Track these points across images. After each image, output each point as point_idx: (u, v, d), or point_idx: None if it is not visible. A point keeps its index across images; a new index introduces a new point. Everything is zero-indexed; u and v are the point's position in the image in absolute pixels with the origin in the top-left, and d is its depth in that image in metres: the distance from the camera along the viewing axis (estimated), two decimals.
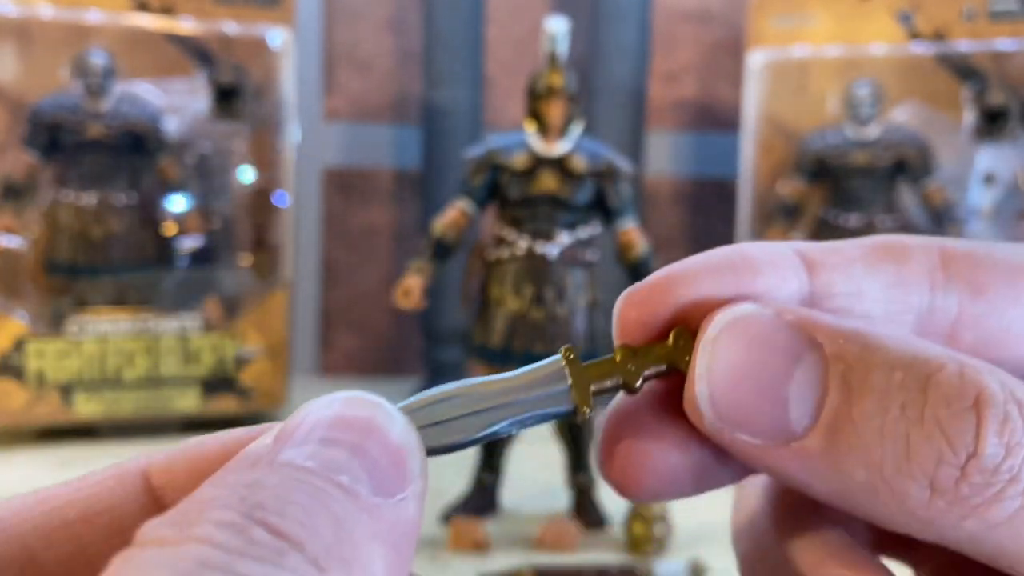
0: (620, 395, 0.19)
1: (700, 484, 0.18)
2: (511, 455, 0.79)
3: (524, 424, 0.18)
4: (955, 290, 0.17)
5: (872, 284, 0.17)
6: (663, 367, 0.18)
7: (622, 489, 0.18)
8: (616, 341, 0.18)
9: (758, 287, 0.17)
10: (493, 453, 0.77)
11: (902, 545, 0.22)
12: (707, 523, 0.76)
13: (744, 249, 0.18)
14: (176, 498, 0.16)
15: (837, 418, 0.15)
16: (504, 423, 0.18)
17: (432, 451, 0.17)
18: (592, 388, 0.18)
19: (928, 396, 0.15)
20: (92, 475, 0.17)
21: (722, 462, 0.18)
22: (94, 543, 0.17)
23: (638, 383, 0.18)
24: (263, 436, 0.16)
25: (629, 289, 0.18)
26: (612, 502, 0.76)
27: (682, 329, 0.18)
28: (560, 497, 0.79)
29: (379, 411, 0.16)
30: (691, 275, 0.17)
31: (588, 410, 0.18)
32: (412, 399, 0.17)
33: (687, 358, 0.17)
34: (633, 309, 0.18)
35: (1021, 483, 0.15)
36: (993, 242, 0.18)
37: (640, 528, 0.69)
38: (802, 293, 0.17)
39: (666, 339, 0.18)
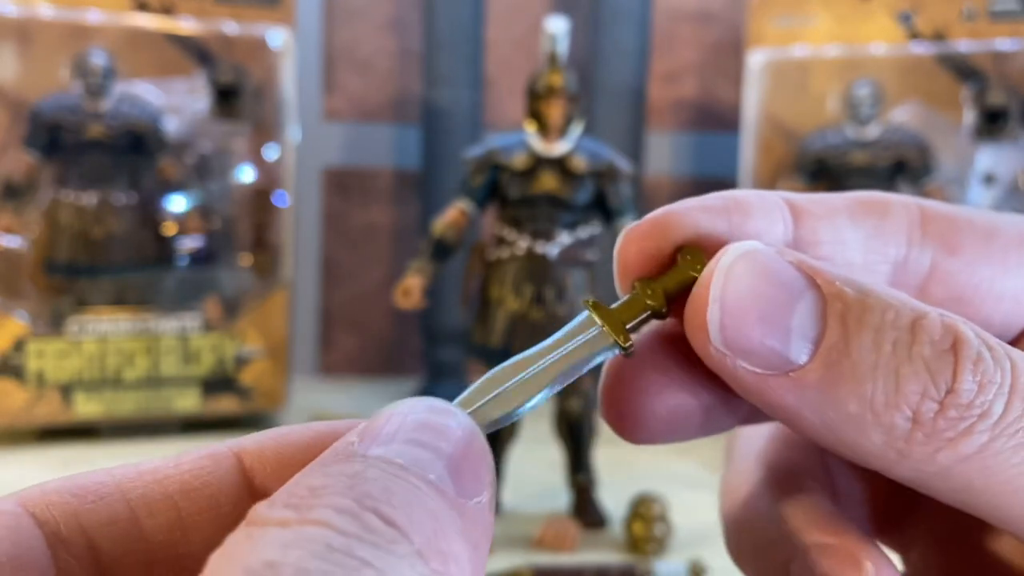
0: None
1: (696, 427, 0.19)
2: (511, 455, 0.79)
3: (575, 374, 0.19)
4: (930, 246, 0.18)
5: (854, 234, 0.18)
6: (688, 281, 0.19)
7: (623, 431, 0.19)
8: (617, 279, 0.19)
9: (749, 229, 0.18)
10: (493, 453, 0.77)
11: (890, 530, 0.22)
12: (707, 523, 0.76)
13: (736, 193, 0.19)
14: (266, 480, 0.18)
15: (834, 352, 0.16)
16: (556, 379, 0.19)
17: (499, 420, 0.18)
18: (626, 325, 0.19)
19: (915, 336, 0.16)
20: (187, 454, 0.18)
21: (718, 406, 0.19)
22: (191, 515, 0.18)
23: (665, 307, 0.19)
24: (348, 434, 0.16)
25: (629, 226, 0.19)
26: (612, 502, 0.76)
27: (686, 247, 0.19)
28: (560, 497, 0.79)
29: (459, 419, 0.17)
30: (688, 214, 0.18)
31: (627, 342, 0.19)
32: (465, 392, 0.18)
33: (698, 266, 0.18)
34: (634, 244, 0.19)
35: (990, 418, 0.16)
36: (973, 207, 0.19)
37: (640, 528, 0.69)
38: (787, 239, 0.18)
39: (673, 263, 0.19)
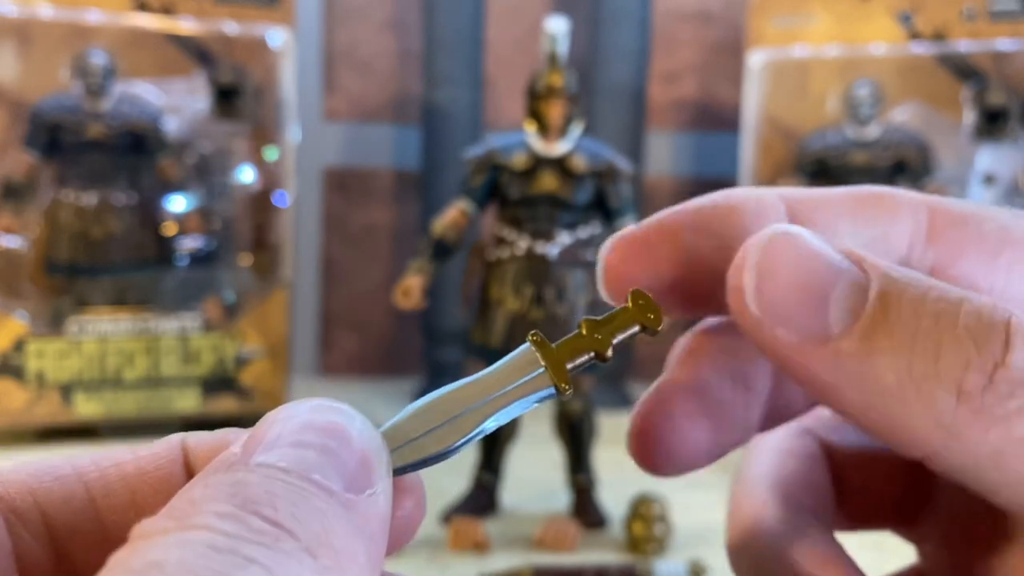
0: (655, 384, 0.19)
1: (714, 459, 0.19)
2: (511, 455, 0.79)
3: (510, 415, 0.18)
4: (935, 250, 0.18)
5: (855, 239, 0.18)
6: (634, 329, 0.19)
7: (650, 467, 0.19)
8: (602, 288, 0.19)
9: (744, 239, 0.18)
10: (493, 453, 0.77)
11: (905, 523, 0.22)
12: (707, 523, 0.76)
13: (731, 196, 0.18)
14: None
15: (873, 323, 0.16)
16: (490, 419, 0.18)
17: (427, 461, 0.18)
18: (567, 366, 0.19)
19: (960, 308, 0.15)
20: (144, 445, 0.20)
21: (738, 443, 0.19)
22: (145, 496, 0.19)
23: (609, 351, 0.19)
24: (233, 445, 0.16)
25: (615, 236, 0.19)
26: (612, 502, 0.76)
27: (638, 291, 0.19)
28: (560, 497, 0.79)
29: (342, 415, 0.16)
30: (678, 227, 0.18)
31: (567, 387, 0.18)
32: (397, 417, 0.18)
33: (650, 315, 0.18)
34: (619, 256, 0.19)
35: None
36: (988, 206, 0.18)
37: (640, 528, 0.69)
38: None
39: (625, 303, 0.19)
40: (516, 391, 0.18)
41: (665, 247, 0.18)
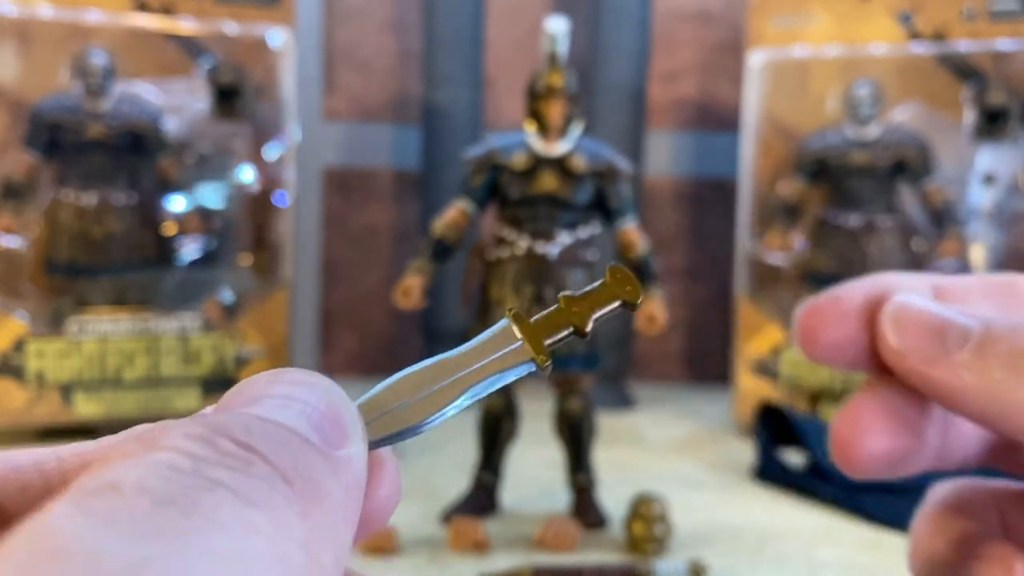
0: (853, 395, 0.21)
1: (909, 467, 0.22)
2: (511, 455, 0.79)
3: (487, 389, 0.18)
4: None
5: (984, 307, 0.22)
6: (615, 304, 0.19)
7: (849, 467, 0.22)
8: (800, 348, 0.21)
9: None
10: (493, 453, 0.77)
11: None
12: (707, 523, 0.76)
13: (888, 280, 0.23)
14: None
15: (981, 342, 0.20)
16: (466, 394, 0.18)
17: (401, 434, 0.17)
18: (546, 341, 0.18)
19: None
20: (112, 436, 0.19)
21: (934, 451, 0.23)
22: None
23: (589, 326, 0.19)
24: (206, 408, 0.16)
25: (811, 303, 0.22)
26: (612, 502, 0.76)
27: (615, 266, 0.19)
28: (560, 497, 0.79)
29: (313, 377, 0.16)
30: (855, 298, 0.22)
31: (545, 360, 0.18)
32: (372, 391, 0.17)
33: (629, 288, 0.19)
34: (814, 320, 0.22)
35: None
36: None
37: (640, 528, 0.69)
38: None
39: (604, 279, 0.19)
40: (492, 364, 0.18)
41: (851, 314, 0.21)
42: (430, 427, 0.17)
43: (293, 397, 0.16)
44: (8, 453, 0.18)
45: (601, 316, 0.19)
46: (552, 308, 0.19)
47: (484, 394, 0.18)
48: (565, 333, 0.19)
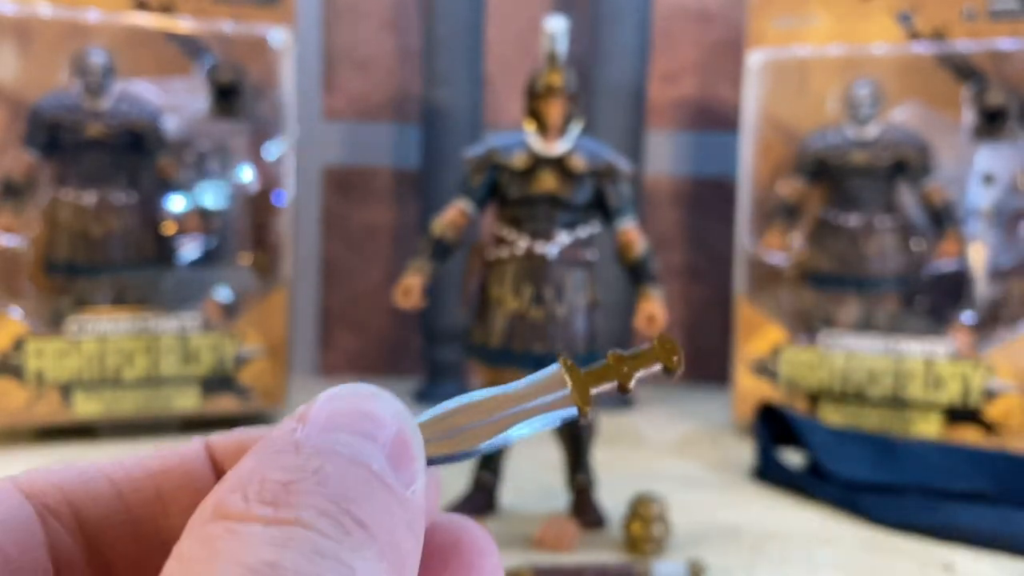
0: None
1: None
2: (510, 455, 0.79)
3: (531, 428, 0.20)
4: None
5: None
6: (656, 367, 0.21)
7: None
8: None
9: None
10: (492, 453, 0.77)
11: None
12: (706, 523, 0.76)
13: None
14: (230, 465, 0.19)
15: None
16: (512, 429, 0.19)
17: (448, 458, 0.19)
18: (592, 392, 0.20)
19: None
20: (167, 446, 0.21)
21: None
22: (170, 491, 0.20)
23: (631, 383, 0.21)
24: (286, 420, 0.17)
25: None
26: (611, 502, 0.76)
27: (664, 334, 0.21)
28: (560, 497, 0.79)
29: (388, 404, 0.18)
30: None
31: (589, 411, 0.20)
32: (426, 414, 0.19)
33: (674, 358, 0.21)
34: None
35: None
36: None
37: (639, 528, 0.69)
38: None
39: (652, 344, 0.21)
40: (541, 407, 0.20)
41: None
42: (476, 454, 0.20)
43: (372, 432, 0.17)
44: (73, 464, 0.20)
45: (643, 376, 0.21)
46: (601, 363, 0.21)
47: (528, 433, 0.20)
48: (609, 387, 0.21)
